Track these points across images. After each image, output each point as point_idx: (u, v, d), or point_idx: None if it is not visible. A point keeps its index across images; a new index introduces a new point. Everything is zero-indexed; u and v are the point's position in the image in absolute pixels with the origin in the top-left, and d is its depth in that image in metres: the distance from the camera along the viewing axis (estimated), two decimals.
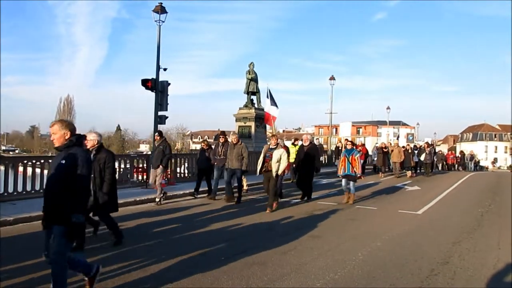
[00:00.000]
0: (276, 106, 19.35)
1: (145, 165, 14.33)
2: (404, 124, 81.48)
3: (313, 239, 7.02)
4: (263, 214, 9.33)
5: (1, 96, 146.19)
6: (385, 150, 21.39)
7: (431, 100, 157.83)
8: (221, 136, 11.95)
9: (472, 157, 34.82)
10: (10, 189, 9.83)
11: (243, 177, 11.66)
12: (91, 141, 6.31)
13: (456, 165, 32.73)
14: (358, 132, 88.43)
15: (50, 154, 56.43)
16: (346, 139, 13.60)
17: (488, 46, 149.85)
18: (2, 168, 9.70)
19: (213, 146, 12.54)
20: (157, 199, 10.36)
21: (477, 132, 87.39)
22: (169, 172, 14.15)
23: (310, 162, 11.40)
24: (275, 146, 9.98)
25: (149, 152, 11.84)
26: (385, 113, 43.83)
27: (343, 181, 11.22)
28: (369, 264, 5.61)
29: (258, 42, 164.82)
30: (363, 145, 22.95)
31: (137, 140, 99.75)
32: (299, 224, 8.31)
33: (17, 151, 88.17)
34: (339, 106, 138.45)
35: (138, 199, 10.57)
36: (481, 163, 48.99)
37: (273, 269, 5.31)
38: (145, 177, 14.06)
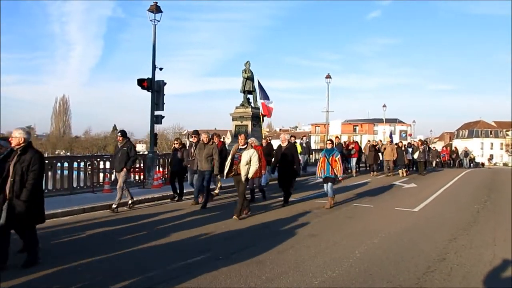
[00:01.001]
0: (268, 98, 18.67)
1: (142, 165, 14.32)
2: (400, 122, 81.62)
3: (310, 238, 7.05)
4: (248, 217, 8.85)
5: None
6: (376, 147, 20.80)
7: (427, 98, 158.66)
8: (194, 136, 10.97)
9: (466, 153, 34.56)
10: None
11: (218, 179, 11.26)
12: (16, 139, 5.28)
13: (451, 162, 32.29)
14: (354, 130, 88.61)
15: (46, 155, 56.27)
16: (331, 139, 12.39)
17: (483, 44, 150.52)
18: None
19: (187, 146, 11.61)
20: (114, 205, 9.29)
21: (473, 129, 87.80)
22: (165, 172, 14.15)
23: (289, 163, 10.49)
24: (244, 146, 8.86)
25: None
26: (381, 111, 43.90)
27: (325, 186, 10.30)
28: (366, 262, 5.65)
29: (254, 41, 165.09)
30: (356, 142, 22.22)
31: (133, 140, 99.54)
32: (296, 222, 8.32)
33: None
34: (336, 104, 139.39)
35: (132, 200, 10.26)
36: (477, 160, 49.06)
37: (271, 267, 5.33)
38: (142, 176, 14.06)
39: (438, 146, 46.61)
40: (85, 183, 12.37)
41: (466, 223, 8.54)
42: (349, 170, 20.00)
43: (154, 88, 14.89)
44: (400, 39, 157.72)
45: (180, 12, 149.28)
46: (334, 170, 10.00)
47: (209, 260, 5.64)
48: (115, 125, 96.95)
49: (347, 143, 21.68)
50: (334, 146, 10.81)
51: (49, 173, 11.28)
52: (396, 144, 21.14)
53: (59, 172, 11.33)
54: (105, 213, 9.12)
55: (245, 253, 6.02)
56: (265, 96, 18.12)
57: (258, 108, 21.87)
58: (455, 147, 36.73)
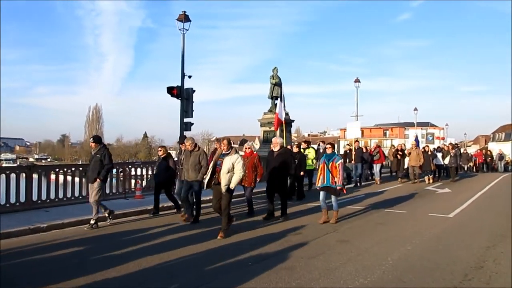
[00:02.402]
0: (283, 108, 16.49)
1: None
2: (433, 125, 79.53)
3: (341, 244, 6.94)
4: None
5: (33, 107, 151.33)
6: (400, 153, 19.16)
7: (460, 100, 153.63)
8: (182, 144, 9.67)
9: (501, 156, 32.74)
10: (43, 197, 10.15)
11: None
12: None
13: (484, 166, 30.03)
14: (385, 134, 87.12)
15: (80, 162, 58.05)
16: (331, 143, 10.69)
17: None
18: (36, 176, 10.00)
19: (177, 153, 10.57)
20: (92, 221, 8.24)
21: (510, 132, 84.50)
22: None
23: (281, 171, 9.29)
24: (228, 152, 7.68)
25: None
26: (412, 115, 42.93)
27: (321, 195, 8.94)
28: (400, 269, 5.50)
29: (281, 47, 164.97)
30: (379, 147, 20.19)
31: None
32: (327, 228, 8.22)
33: (49, 160, 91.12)
34: (365, 108, 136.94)
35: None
36: None
37: (301, 274, 5.27)
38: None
39: (472, 149, 44.72)
40: (117, 189, 12.64)
41: (505, 229, 8.18)
42: (371, 178, 18.77)
43: (183, 95, 15.15)
44: (430, 41, 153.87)
45: (208, 21, 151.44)
46: (335, 179, 8.69)
47: (239, 265, 5.64)
48: (145, 132, 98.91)
49: (369, 148, 20.43)
50: (334, 150, 9.46)
51: (83, 180, 11.59)
52: (422, 148, 19.39)
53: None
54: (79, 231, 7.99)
55: (274, 259, 5.97)
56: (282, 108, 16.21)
57: (287, 114, 21.79)
58: (489, 150, 34.71)
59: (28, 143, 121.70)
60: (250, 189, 9.57)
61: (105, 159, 8.41)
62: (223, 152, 7.71)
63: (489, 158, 31.33)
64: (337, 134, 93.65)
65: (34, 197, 9.88)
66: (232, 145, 7.93)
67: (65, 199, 10.50)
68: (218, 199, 7.56)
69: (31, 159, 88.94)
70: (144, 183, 13.03)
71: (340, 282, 4.98)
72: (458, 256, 6.16)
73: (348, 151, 17.83)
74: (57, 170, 11.31)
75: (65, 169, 11.20)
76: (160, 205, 10.03)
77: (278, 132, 20.78)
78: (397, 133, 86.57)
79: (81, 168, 11.88)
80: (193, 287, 4.82)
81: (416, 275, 5.27)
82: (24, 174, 9.81)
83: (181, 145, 9.92)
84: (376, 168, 18.47)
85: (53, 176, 10.63)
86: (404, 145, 22.51)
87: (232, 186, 7.35)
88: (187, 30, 15.48)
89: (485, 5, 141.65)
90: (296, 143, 13.73)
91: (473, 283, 4.98)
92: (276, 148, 9.57)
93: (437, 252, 6.41)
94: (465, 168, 25.84)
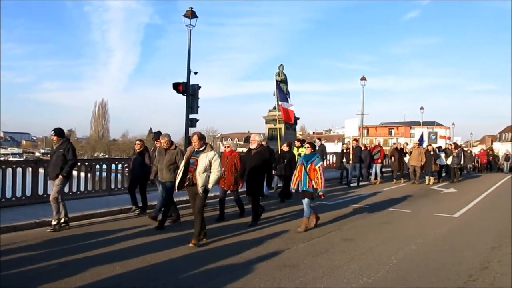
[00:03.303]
0: (287, 100, 15.94)
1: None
2: (439, 124, 78.98)
3: (346, 242, 6.93)
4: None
5: (40, 102, 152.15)
6: (401, 151, 18.42)
7: (467, 99, 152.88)
8: (157, 141, 8.94)
9: (508, 157, 32.06)
10: (49, 191, 10.19)
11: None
12: None
13: (489, 166, 29.04)
14: (390, 133, 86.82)
15: (86, 157, 58.36)
16: (312, 142, 9.94)
17: None
18: (42, 170, 10.05)
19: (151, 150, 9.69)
20: (53, 222, 7.53)
21: None
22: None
23: (257, 171, 8.44)
24: (202, 148, 6.74)
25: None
26: (418, 114, 42.71)
27: (304, 201, 7.98)
28: (404, 269, 5.48)
29: (288, 44, 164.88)
30: (380, 145, 19.20)
31: None
32: (330, 227, 8.21)
33: None
34: (371, 107, 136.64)
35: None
36: None
37: (305, 272, 5.27)
38: None
39: (476, 150, 44.11)
40: (122, 185, 12.69)
41: (511, 230, 8.13)
42: (371, 177, 17.46)
43: (189, 92, 15.17)
44: (438, 39, 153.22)
45: (216, 18, 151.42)
46: (313, 182, 7.76)
47: (244, 262, 5.65)
48: (151, 128, 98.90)
49: (369, 146, 19.42)
50: (315, 150, 8.36)
51: (89, 175, 11.66)
52: (425, 148, 18.37)
53: (98, 174, 11.68)
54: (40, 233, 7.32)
55: (278, 256, 5.98)
56: (283, 98, 15.35)
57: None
58: (491, 149, 33.59)
59: (35, 138, 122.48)
60: (236, 192, 8.88)
61: (68, 154, 7.75)
62: (196, 149, 6.75)
63: (491, 158, 30.17)
64: (342, 132, 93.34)
65: (40, 191, 9.95)
66: (206, 141, 7.02)
67: (70, 193, 10.55)
68: (194, 201, 6.77)
69: (37, 154, 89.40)
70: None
71: (344, 281, 4.97)
72: (463, 256, 6.14)
73: (346, 150, 16.93)
74: None
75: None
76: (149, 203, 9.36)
77: (284, 129, 20.87)
78: (403, 132, 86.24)
79: (86, 163, 11.95)
80: (194, 284, 4.84)
81: (420, 274, 5.26)
82: (30, 169, 9.90)
83: (155, 142, 9.12)
84: (377, 168, 17.47)
85: None
86: (407, 144, 21.72)
87: (209, 186, 6.63)
88: (194, 26, 15.51)
89: (493, 4, 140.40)
90: (286, 142, 12.73)
91: (477, 284, 4.96)
92: (253, 146, 8.77)
93: (442, 252, 6.38)
94: (469, 169, 25.04)
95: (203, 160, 6.54)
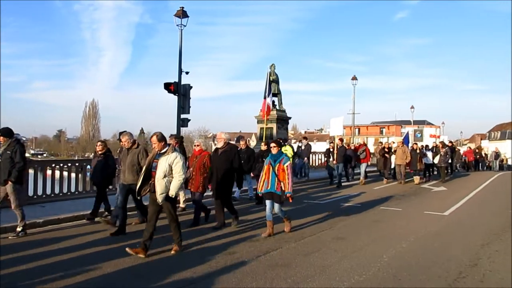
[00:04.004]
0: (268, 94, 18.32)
1: None
2: (429, 124, 79.77)
3: (337, 241, 6.96)
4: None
5: (30, 101, 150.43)
6: (387, 150, 18.00)
7: (456, 98, 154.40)
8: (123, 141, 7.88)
9: (497, 155, 32.04)
10: (39, 192, 10.13)
11: (180, 191, 7.78)
12: None
13: (477, 164, 28.71)
14: (381, 132, 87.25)
15: (76, 158, 57.87)
16: (277, 141, 8.97)
17: None
18: (31, 171, 9.95)
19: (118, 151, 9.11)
20: (18, 228, 7.08)
21: (506, 131, 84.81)
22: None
23: (225, 172, 7.87)
24: (164, 150, 6.07)
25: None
26: (409, 113, 43.01)
27: (267, 204, 7.33)
28: (395, 267, 5.53)
29: (279, 44, 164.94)
30: (365, 145, 18.65)
31: None
32: (321, 225, 8.24)
33: (45, 155, 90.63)
34: (362, 106, 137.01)
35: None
36: (510, 162, 46.69)
37: (297, 271, 5.29)
38: None
39: (464, 148, 44.19)
40: (114, 185, 12.61)
41: (500, 228, 8.23)
42: (351, 177, 17.46)
43: (180, 91, 15.12)
44: (428, 39, 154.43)
45: (207, 17, 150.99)
46: (281, 183, 7.19)
47: (236, 262, 5.65)
48: (142, 129, 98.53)
49: (355, 145, 19.33)
50: (280, 149, 7.67)
51: (79, 175, 11.57)
52: (411, 146, 18.10)
53: (88, 174, 11.59)
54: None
55: (270, 255, 6.00)
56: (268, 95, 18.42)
57: (284, 111, 21.83)
58: (479, 147, 32.83)
59: (24, 138, 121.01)
60: (199, 194, 8.07)
61: (15, 156, 6.91)
62: (158, 152, 6.09)
63: (478, 156, 29.63)
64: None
65: (30, 193, 9.86)
66: (168, 142, 6.41)
67: (61, 194, 10.48)
68: (156, 210, 6.06)
69: (27, 154, 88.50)
70: None
71: (336, 279, 5.00)
72: (453, 254, 6.20)
73: (331, 150, 16.53)
74: (53, 165, 11.29)
75: (61, 165, 11.13)
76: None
77: (275, 128, 20.89)
78: (394, 131, 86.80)
79: (77, 164, 11.87)
80: (185, 284, 4.84)
81: (411, 272, 5.31)
82: None
83: (120, 143, 8.05)
84: (362, 167, 17.06)
85: (49, 172, 10.62)
86: (393, 142, 21.48)
87: (171, 193, 5.89)
88: (185, 26, 15.45)
89: (483, 4, 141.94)
90: (265, 141, 12.20)
91: (467, 281, 5.02)
92: (220, 145, 8.10)
93: (432, 250, 6.45)
94: (455, 167, 24.71)
95: (162, 164, 5.89)
